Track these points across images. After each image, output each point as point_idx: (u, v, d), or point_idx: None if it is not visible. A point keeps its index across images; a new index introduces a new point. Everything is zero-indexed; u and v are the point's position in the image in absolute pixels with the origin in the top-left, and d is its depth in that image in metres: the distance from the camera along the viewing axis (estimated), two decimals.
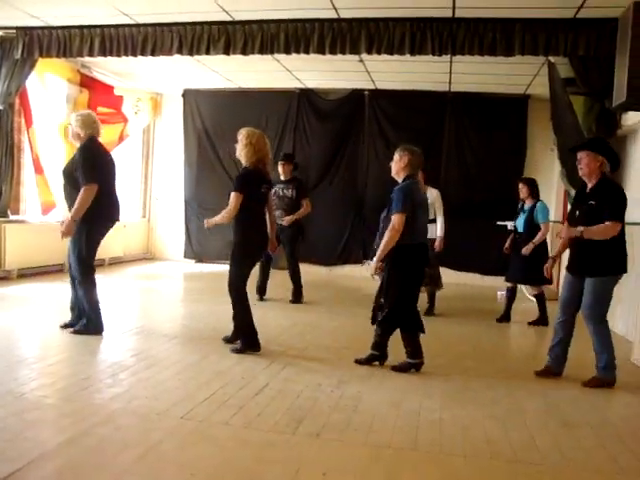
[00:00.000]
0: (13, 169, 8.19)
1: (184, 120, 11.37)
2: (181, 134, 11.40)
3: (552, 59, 6.67)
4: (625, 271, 4.48)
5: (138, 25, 7.17)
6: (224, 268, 9.48)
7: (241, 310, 4.97)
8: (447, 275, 8.00)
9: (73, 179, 5.11)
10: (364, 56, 7.42)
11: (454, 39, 6.37)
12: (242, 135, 5.07)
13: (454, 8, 6.15)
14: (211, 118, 11.17)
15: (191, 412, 3.49)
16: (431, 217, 6.74)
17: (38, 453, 2.85)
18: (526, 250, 6.63)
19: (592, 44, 6.07)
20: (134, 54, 7.29)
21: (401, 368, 4.63)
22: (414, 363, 4.63)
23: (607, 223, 4.28)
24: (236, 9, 6.60)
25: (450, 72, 8.71)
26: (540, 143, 9.91)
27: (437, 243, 6.96)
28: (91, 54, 7.43)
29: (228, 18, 6.84)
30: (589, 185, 4.50)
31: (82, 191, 4.99)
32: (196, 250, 11.31)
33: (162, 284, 8.99)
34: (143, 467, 2.81)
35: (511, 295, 7.11)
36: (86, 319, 5.26)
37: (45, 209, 8.75)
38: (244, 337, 4.96)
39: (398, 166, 4.72)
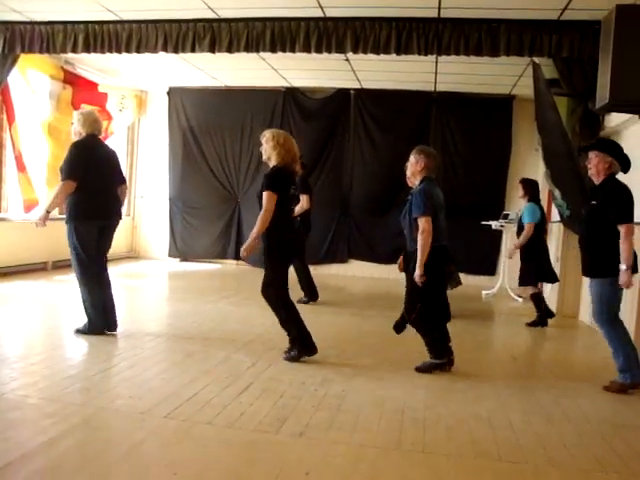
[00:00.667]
0: None
1: (169, 118, 11.32)
2: (166, 132, 11.34)
3: (537, 60, 6.71)
4: (635, 271, 4.29)
5: (123, 22, 7.11)
6: (209, 267, 9.52)
7: (287, 315, 4.76)
8: None
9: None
10: (350, 55, 7.42)
11: (440, 39, 6.38)
12: (267, 137, 4.82)
13: (439, 8, 6.17)
14: (196, 116, 11.12)
15: (175, 411, 3.46)
16: None
17: (19, 453, 2.81)
18: (509, 253, 6.65)
19: (576, 46, 6.11)
20: (118, 51, 7.22)
21: (424, 369, 4.61)
22: (439, 363, 4.60)
23: (620, 230, 4.15)
24: (222, 7, 6.57)
25: (436, 72, 8.75)
26: (525, 143, 10.01)
27: None
28: (75, 50, 7.34)
29: (214, 16, 6.80)
30: (596, 183, 4.45)
31: (59, 185, 5.08)
32: (180, 249, 11.26)
33: (146, 283, 8.94)
34: (126, 467, 2.79)
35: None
36: (87, 319, 5.22)
37: (27, 207, 8.66)
38: (298, 341, 4.75)
39: (414, 169, 4.62)
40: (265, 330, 5.82)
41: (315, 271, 10.49)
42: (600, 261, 4.32)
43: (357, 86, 10.22)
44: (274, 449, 3.06)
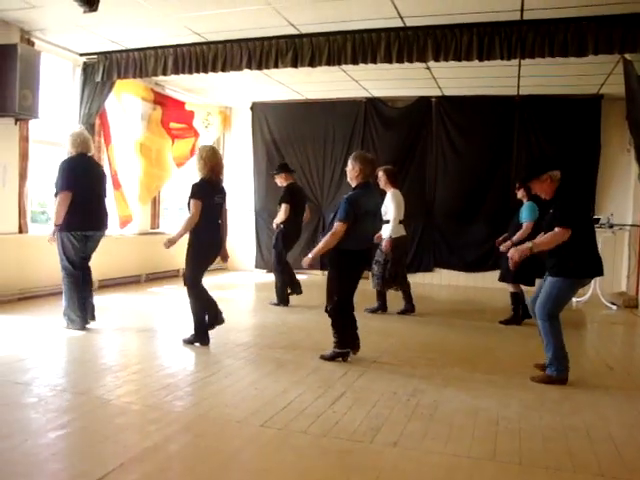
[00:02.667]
0: None
1: (253, 132, 11.62)
2: (250, 146, 11.65)
3: (628, 56, 6.46)
4: (589, 275, 4.66)
5: (209, 43, 7.41)
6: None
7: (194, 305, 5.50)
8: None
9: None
10: (431, 63, 7.39)
11: (523, 42, 6.24)
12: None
13: (522, 10, 6.06)
14: (279, 130, 11.36)
15: (270, 420, 3.56)
16: (403, 218, 7.20)
17: (128, 457, 2.98)
18: (504, 247, 6.46)
19: None
20: (205, 71, 7.54)
21: (329, 357, 5.00)
22: (340, 352, 5.00)
23: (555, 230, 4.37)
24: (303, 23, 6.72)
25: (519, 75, 8.56)
26: (616, 144, 9.61)
27: (384, 244, 7.04)
28: (165, 73, 7.73)
29: (295, 32, 6.97)
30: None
31: (57, 198, 5.62)
32: (267, 260, 11.48)
33: (235, 294, 9.18)
34: (225, 473, 2.90)
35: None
36: (66, 317, 5.79)
37: (123, 222, 9.10)
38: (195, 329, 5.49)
39: (351, 174, 5.00)
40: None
41: None
42: (559, 261, 4.45)
43: (438, 93, 10.14)
44: (369, 458, 3.09)
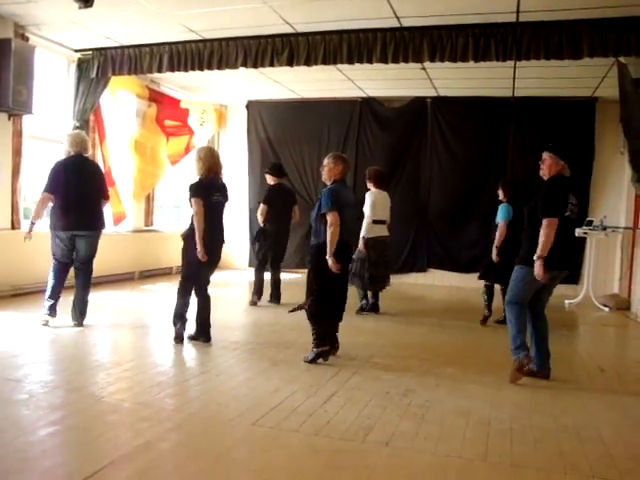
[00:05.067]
0: None
1: (248, 131, 11.61)
2: (245, 144, 11.65)
3: (622, 59, 6.48)
4: (557, 268, 4.53)
5: (204, 40, 7.40)
6: (288, 276, 9.66)
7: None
8: None
9: None
10: (426, 64, 7.40)
11: (519, 44, 6.26)
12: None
13: (518, 12, 6.07)
14: (274, 128, 11.36)
15: (262, 419, 3.56)
16: (382, 218, 7.20)
17: (118, 455, 2.98)
18: (495, 257, 6.54)
19: None
20: (201, 68, 7.53)
21: (310, 359, 4.94)
22: (321, 351, 4.94)
23: (544, 220, 4.39)
24: (299, 21, 6.72)
25: (514, 77, 8.57)
26: (609, 146, 9.64)
27: (360, 243, 7.10)
28: (160, 70, 7.72)
29: (291, 30, 6.97)
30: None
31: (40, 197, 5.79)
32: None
33: (229, 292, 9.16)
34: (217, 471, 2.90)
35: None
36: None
37: (116, 220, 9.07)
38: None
39: (332, 172, 5.08)
40: (345, 341, 5.84)
41: (394, 280, 10.48)
42: (530, 252, 4.47)
43: (434, 94, 10.15)
44: (361, 457, 3.10)
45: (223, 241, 5.63)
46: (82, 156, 5.92)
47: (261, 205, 7.75)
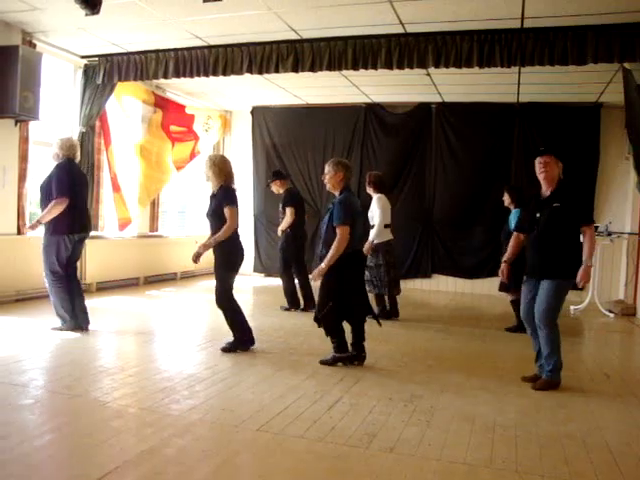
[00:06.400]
0: (93, 187, 8.57)
1: (253, 136, 11.64)
2: (250, 150, 11.67)
3: (627, 65, 6.48)
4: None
5: (210, 47, 7.44)
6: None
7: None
8: None
9: (48, 193, 5.70)
10: (431, 70, 7.42)
11: (523, 50, 6.28)
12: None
13: (523, 18, 6.09)
14: (279, 134, 11.38)
15: (267, 425, 3.56)
16: (389, 222, 7.24)
17: (122, 460, 2.98)
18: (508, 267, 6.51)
19: None
20: (206, 74, 7.56)
21: (329, 361, 5.02)
22: (341, 357, 5.01)
23: (585, 229, 4.38)
24: (304, 28, 6.75)
25: (519, 83, 8.59)
26: (614, 152, 9.64)
27: (365, 247, 7.02)
28: (166, 76, 7.76)
29: (296, 37, 6.99)
30: (548, 189, 4.60)
31: (54, 201, 5.61)
32: (265, 264, 11.50)
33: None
34: (222, 478, 2.89)
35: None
36: (60, 318, 5.86)
37: (122, 225, 9.11)
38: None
39: (335, 180, 5.03)
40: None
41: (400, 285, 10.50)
42: (559, 263, 4.41)
43: (438, 100, 10.17)
44: (365, 463, 3.09)
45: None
46: (73, 161, 5.93)
47: (288, 209, 7.70)
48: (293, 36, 6.99)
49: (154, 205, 10.24)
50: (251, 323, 7.24)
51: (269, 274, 11.40)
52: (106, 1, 5.59)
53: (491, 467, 3.12)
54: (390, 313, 7.39)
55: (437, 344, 6.25)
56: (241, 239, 5.52)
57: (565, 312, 8.37)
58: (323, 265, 4.84)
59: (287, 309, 7.85)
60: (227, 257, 5.37)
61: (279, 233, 7.88)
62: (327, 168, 5.10)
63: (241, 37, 7.13)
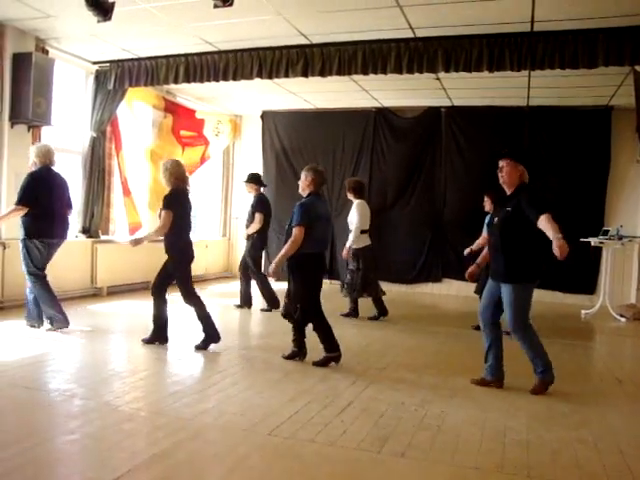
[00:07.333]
0: (104, 192, 8.63)
1: (263, 141, 11.66)
2: (260, 154, 11.68)
3: (638, 68, 6.45)
4: (538, 278, 4.48)
5: (220, 52, 7.48)
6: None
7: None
8: None
9: None
10: (440, 74, 7.41)
11: (533, 54, 6.27)
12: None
13: (532, 22, 6.07)
14: (289, 138, 11.40)
15: (277, 429, 3.56)
16: (367, 228, 7.37)
17: (134, 464, 2.99)
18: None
19: None
20: (216, 79, 7.60)
21: (322, 362, 5.10)
22: (332, 356, 5.12)
23: (541, 218, 4.21)
24: (314, 32, 6.78)
25: (528, 86, 8.57)
26: (625, 155, 9.59)
27: (343, 252, 7.39)
28: (176, 81, 7.81)
29: (306, 42, 7.02)
30: (508, 192, 4.61)
31: (12, 206, 5.88)
32: None
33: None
34: None
35: None
36: (48, 319, 5.99)
37: (132, 229, 9.15)
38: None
39: (303, 184, 5.25)
40: (361, 349, 5.87)
41: (409, 290, 10.49)
42: (517, 267, 4.38)
43: (448, 104, 10.16)
44: (376, 468, 3.09)
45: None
46: (50, 168, 5.97)
47: (257, 215, 7.81)
48: (303, 41, 7.01)
49: None
50: (259, 327, 7.32)
51: (279, 278, 11.34)
52: (118, 7, 5.63)
53: (502, 472, 3.11)
54: (379, 313, 7.56)
55: (448, 348, 6.24)
56: (187, 240, 5.76)
57: (576, 316, 8.35)
58: (273, 264, 5.04)
59: (267, 310, 7.91)
60: (171, 254, 5.76)
61: (244, 237, 8.05)
62: (302, 173, 5.31)
63: (251, 42, 7.16)
